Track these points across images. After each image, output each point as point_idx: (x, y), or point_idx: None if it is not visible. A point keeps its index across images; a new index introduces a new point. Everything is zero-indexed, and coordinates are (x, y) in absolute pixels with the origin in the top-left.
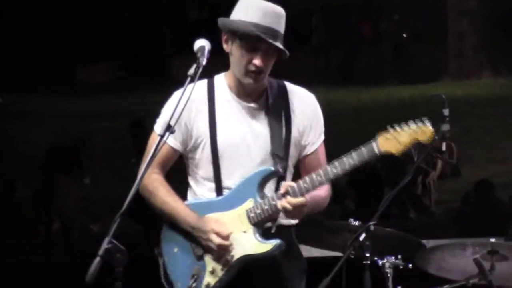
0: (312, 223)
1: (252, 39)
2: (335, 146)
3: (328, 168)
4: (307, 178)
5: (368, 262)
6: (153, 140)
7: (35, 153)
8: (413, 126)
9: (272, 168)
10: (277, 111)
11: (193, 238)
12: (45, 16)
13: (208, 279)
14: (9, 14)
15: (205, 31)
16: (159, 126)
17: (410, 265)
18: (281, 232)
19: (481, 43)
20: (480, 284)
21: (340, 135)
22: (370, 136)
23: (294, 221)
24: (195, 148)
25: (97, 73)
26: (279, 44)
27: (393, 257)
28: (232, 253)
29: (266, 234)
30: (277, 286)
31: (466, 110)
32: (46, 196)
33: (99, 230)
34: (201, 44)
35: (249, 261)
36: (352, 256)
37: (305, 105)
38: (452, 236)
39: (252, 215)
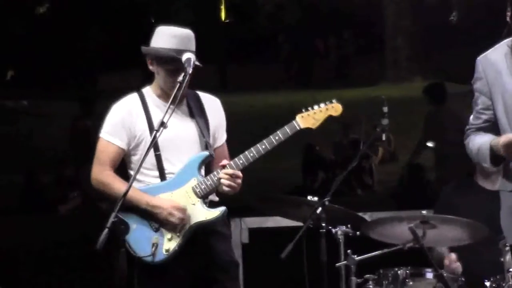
0: (278, 198)
1: (175, 62)
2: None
3: (259, 145)
4: (241, 156)
5: (324, 230)
6: (102, 145)
7: (54, 147)
8: (325, 105)
9: (208, 153)
10: (197, 111)
11: (149, 214)
12: (66, 26)
13: (167, 245)
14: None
15: None
16: (105, 133)
17: (358, 233)
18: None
19: (413, 54)
20: (414, 247)
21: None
22: (324, 126)
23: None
24: (137, 145)
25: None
26: (197, 62)
27: (344, 226)
28: (185, 222)
29: (210, 205)
30: (221, 240)
31: (400, 108)
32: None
33: (107, 207)
34: (188, 56)
35: (201, 226)
36: (311, 226)
37: (215, 108)
38: (391, 209)
39: (198, 190)
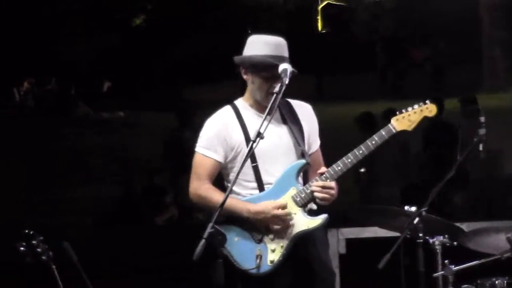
0: (376, 209)
1: (271, 69)
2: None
3: (356, 151)
4: (339, 162)
5: (421, 241)
6: (198, 159)
7: (148, 158)
8: (419, 106)
9: (305, 161)
10: (290, 119)
11: (251, 225)
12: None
13: (271, 256)
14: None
15: None
16: (201, 147)
17: (455, 243)
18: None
19: (510, 65)
20: None
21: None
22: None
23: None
24: (235, 157)
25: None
26: (292, 68)
27: (441, 237)
28: (288, 232)
29: (309, 213)
30: (321, 248)
31: (497, 118)
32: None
33: (204, 217)
34: (284, 67)
35: (304, 235)
36: (408, 236)
37: (308, 114)
38: (488, 219)
39: (298, 199)
